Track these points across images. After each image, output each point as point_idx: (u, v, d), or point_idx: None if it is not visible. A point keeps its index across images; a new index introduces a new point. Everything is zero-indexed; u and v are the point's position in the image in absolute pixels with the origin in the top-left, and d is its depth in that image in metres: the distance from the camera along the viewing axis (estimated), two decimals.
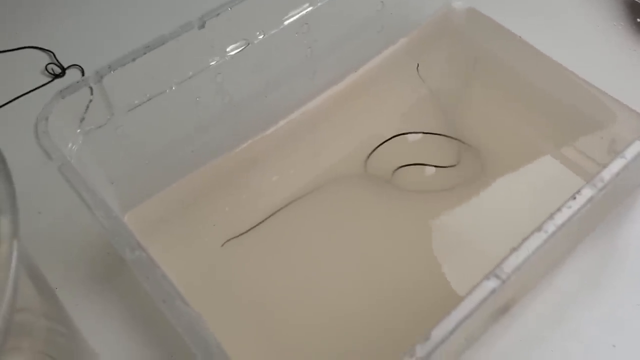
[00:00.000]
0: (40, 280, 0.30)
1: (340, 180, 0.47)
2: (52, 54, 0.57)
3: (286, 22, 0.45)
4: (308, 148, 0.50)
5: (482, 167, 0.47)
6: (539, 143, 0.49)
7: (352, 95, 0.52)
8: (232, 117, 0.47)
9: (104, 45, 0.58)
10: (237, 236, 0.44)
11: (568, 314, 0.40)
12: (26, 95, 0.54)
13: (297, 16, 0.46)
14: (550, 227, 0.30)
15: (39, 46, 0.58)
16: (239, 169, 0.48)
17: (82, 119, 0.38)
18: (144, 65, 0.39)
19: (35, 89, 0.55)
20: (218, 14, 0.41)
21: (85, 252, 0.44)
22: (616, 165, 0.32)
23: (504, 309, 0.39)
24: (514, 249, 0.29)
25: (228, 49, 0.43)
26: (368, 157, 0.48)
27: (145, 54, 0.39)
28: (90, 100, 0.38)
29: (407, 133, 0.49)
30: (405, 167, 0.48)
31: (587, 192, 0.31)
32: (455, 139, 0.49)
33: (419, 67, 0.54)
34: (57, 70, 0.56)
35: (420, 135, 0.50)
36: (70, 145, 0.37)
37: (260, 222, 0.45)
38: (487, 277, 0.28)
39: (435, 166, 0.48)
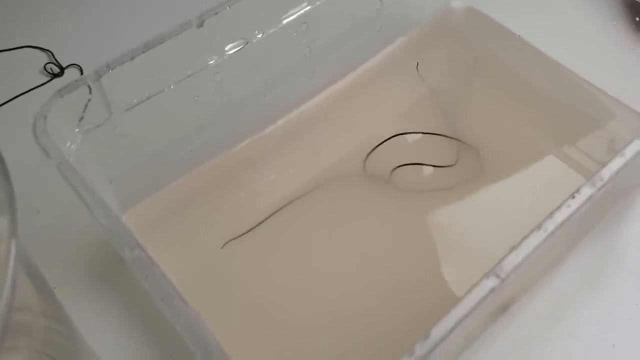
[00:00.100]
0: (38, 279, 0.30)
1: (339, 179, 0.47)
2: (50, 54, 0.57)
3: (285, 21, 0.45)
4: (307, 147, 0.49)
5: (481, 166, 0.47)
6: (539, 142, 0.49)
7: (351, 94, 0.52)
8: (230, 116, 0.47)
9: (102, 45, 0.58)
10: (237, 237, 0.44)
11: (568, 313, 0.40)
12: (24, 95, 0.54)
13: (295, 15, 0.45)
14: (550, 226, 0.30)
15: (38, 45, 0.58)
16: (238, 168, 0.48)
17: (81, 118, 0.38)
18: (142, 64, 0.39)
19: (34, 88, 0.55)
20: (217, 13, 0.41)
21: (83, 251, 0.44)
22: (616, 164, 0.32)
23: (504, 308, 0.39)
24: (513, 248, 0.29)
25: (227, 48, 0.43)
26: (367, 156, 0.48)
27: (143, 52, 0.39)
28: (89, 99, 0.38)
29: (406, 133, 0.49)
30: (404, 167, 0.48)
31: (586, 191, 0.31)
32: (455, 139, 0.49)
33: (418, 66, 0.54)
34: (56, 70, 0.56)
35: (420, 134, 0.49)
36: (68, 144, 0.37)
37: (260, 223, 0.45)
38: (486, 276, 0.28)
39: (434, 166, 0.48)
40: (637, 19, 0.47)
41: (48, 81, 0.55)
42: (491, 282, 0.28)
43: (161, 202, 0.46)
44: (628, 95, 0.48)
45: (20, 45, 0.58)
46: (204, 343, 0.28)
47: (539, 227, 0.30)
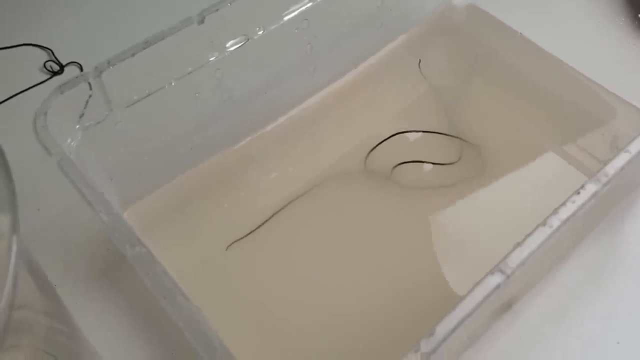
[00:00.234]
0: (40, 277, 0.29)
1: (340, 177, 0.47)
2: (50, 52, 0.57)
3: (286, 18, 0.45)
4: (308, 145, 0.49)
5: (482, 164, 0.47)
6: (540, 140, 0.48)
7: (351, 91, 0.52)
8: (232, 113, 0.47)
9: (102, 43, 0.57)
10: (240, 239, 0.44)
11: (571, 311, 0.40)
12: (24, 93, 0.54)
13: (297, 12, 0.45)
14: (555, 222, 0.30)
15: (37, 43, 0.58)
16: (238, 166, 0.48)
17: (82, 115, 0.38)
18: (143, 60, 0.39)
19: (33, 86, 0.54)
20: (217, 10, 0.41)
21: (84, 249, 0.44)
22: (620, 160, 0.32)
23: (507, 306, 0.39)
24: (518, 244, 0.29)
25: (227, 45, 0.43)
26: (368, 154, 0.48)
27: (144, 49, 0.39)
28: (90, 96, 0.38)
29: (407, 132, 0.49)
30: (406, 164, 0.47)
31: (591, 187, 0.31)
32: (456, 137, 0.49)
33: (420, 63, 0.53)
34: (56, 68, 0.56)
35: (421, 132, 0.49)
36: (69, 141, 0.37)
37: (263, 224, 0.44)
38: (491, 272, 0.28)
39: (436, 163, 0.47)
40: (639, 15, 0.47)
41: (48, 79, 0.55)
42: (496, 279, 0.28)
43: (161, 199, 0.46)
44: (630, 92, 0.48)
45: (20, 43, 0.58)
46: (207, 339, 0.28)
47: (544, 223, 0.30)
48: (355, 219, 0.45)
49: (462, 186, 0.46)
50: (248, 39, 0.44)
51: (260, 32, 0.44)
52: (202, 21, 0.40)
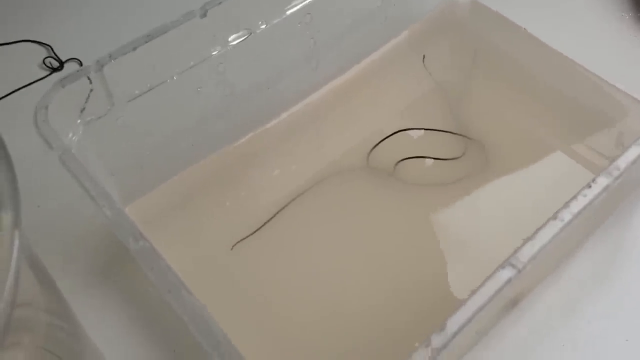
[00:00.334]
0: (41, 271, 0.29)
1: (342, 173, 0.47)
2: (49, 48, 0.57)
3: (289, 12, 0.45)
4: (310, 141, 0.49)
5: (486, 160, 0.47)
6: (544, 136, 0.48)
7: (354, 87, 0.52)
8: (234, 108, 0.46)
9: (102, 39, 0.57)
10: (243, 239, 0.43)
11: (579, 307, 0.40)
12: (23, 89, 0.53)
13: (299, 6, 0.45)
14: (567, 216, 0.29)
15: (37, 40, 0.57)
16: (240, 162, 0.47)
17: (83, 109, 0.37)
18: (144, 54, 0.39)
19: (33, 82, 0.54)
20: (220, 3, 0.41)
21: (85, 244, 0.44)
22: (632, 153, 0.32)
23: (515, 302, 0.39)
24: (529, 238, 0.29)
25: (230, 39, 0.43)
26: (371, 150, 0.48)
27: (146, 43, 0.38)
28: (91, 90, 0.37)
29: (409, 129, 0.49)
30: (409, 160, 0.47)
31: (602, 181, 0.31)
32: (459, 135, 0.48)
33: (424, 59, 0.53)
34: (55, 64, 0.55)
35: (423, 130, 0.49)
36: (70, 135, 0.37)
37: (266, 222, 0.44)
38: (502, 266, 0.28)
39: (438, 159, 0.47)
40: None
41: (47, 75, 0.55)
42: (507, 273, 0.27)
43: (163, 196, 0.45)
44: (636, 88, 0.48)
45: (19, 39, 0.57)
46: (212, 334, 0.27)
47: (555, 216, 0.29)
48: (359, 215, 0.45)
49: (465, 183, 0.46)
50: (251, 33, 0.43)
51: (263, 27, 0.44)
52: (204, 15, 0.40)
